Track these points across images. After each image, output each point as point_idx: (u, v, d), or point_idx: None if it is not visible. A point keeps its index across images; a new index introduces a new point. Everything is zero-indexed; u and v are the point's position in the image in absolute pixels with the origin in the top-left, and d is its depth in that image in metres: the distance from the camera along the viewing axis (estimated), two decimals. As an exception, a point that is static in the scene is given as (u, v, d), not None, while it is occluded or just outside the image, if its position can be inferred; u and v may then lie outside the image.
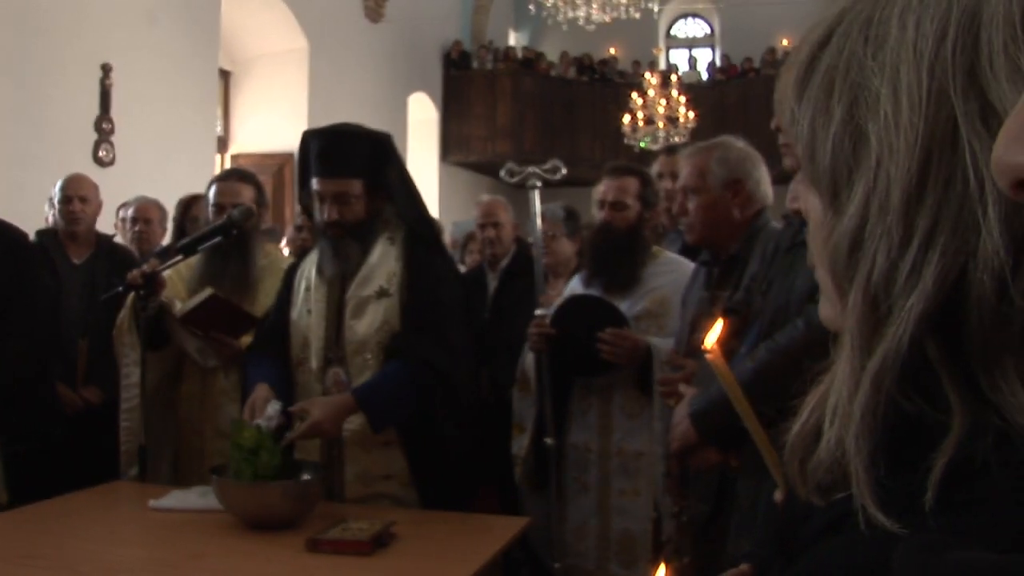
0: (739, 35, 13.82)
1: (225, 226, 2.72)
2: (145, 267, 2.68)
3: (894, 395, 0.48)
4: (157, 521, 2.26)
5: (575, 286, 3.11)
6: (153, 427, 2.75)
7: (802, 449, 0.55)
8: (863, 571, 0.50)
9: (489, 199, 3.96)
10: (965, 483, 0.45)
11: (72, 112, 6.00)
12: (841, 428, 0.50)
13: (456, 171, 12.47)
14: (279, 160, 8.46)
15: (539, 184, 3.11)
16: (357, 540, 1.98)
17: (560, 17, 10.39)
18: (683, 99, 11.68)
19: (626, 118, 11.73)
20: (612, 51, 13.76)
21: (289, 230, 5.04)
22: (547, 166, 3.13)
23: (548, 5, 10.25)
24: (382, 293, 2.52)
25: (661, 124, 11.48)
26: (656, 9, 10.71)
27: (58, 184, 3.75)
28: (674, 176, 3.14)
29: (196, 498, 2.36)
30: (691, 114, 11.49)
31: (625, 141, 11.66)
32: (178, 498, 2.37)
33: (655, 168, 3.47)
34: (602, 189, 2.98)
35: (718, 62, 14.14)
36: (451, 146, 12.40)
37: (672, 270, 2.93)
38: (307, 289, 2.61)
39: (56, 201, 3.70)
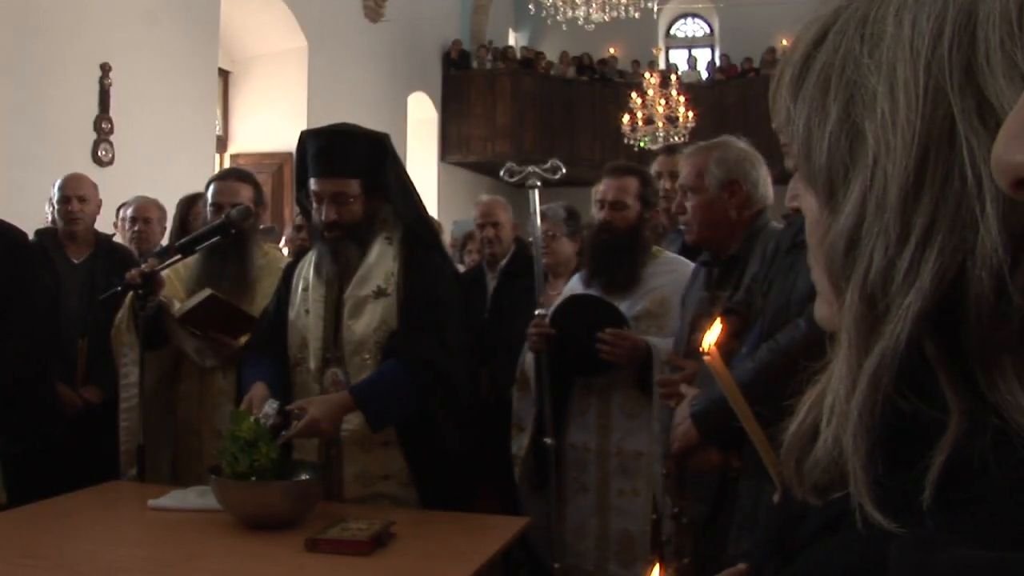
0: (739, 35, 13.82)
1: (223, 226, 2.72)
2: (144, 266, 2.68)
3: (891, 394, 0.47)
4: (156, 521, 2.26)
5: (575, 286, 3.10)
6: (151, 427, 2.75)
7: (799, 448, 0.54)
8: (860, 570, 0.49)
9: (488, 199, 3.96)
10: (963, 482, 0.45)
11: (71, 112, 6.01)
12: (838, 427, 0.50)
13: (456, 171, 12.47)
14: (278, 160, 8.46)
15: (539, 184, 3.11)
16: (356, 540, 1.98)
17: (560, 17, 10.39)
18: (682, 99, 11.69)
19: (626, 118, 11.74)
20: (612, 51, 13.76)
21: (288, 230, 5.04)
22: (547, 166, 3.12)
23: (548, 5, 10.25)
24: (380, 293, 2.51)
25: (660, 124, 11.49)
26: (656, 9, 10.71)
27: (57, 184, 3.74)
28: (673, 176, 3.14)
29: (195, 498, 2.36)
30: (690, 114, 11.50)
31: (625, 141, 11.67)
32: (177, 498, 2.37)
33: (654, 168, 3.47)
34: (602, 189, 2.98)
35: (718, 62, 14.14)
36: (450, 146, 12.40)
37: (672, 270, 2.93)
38: (305, 289, 2.61)
39: (55, 201, 3.70)
